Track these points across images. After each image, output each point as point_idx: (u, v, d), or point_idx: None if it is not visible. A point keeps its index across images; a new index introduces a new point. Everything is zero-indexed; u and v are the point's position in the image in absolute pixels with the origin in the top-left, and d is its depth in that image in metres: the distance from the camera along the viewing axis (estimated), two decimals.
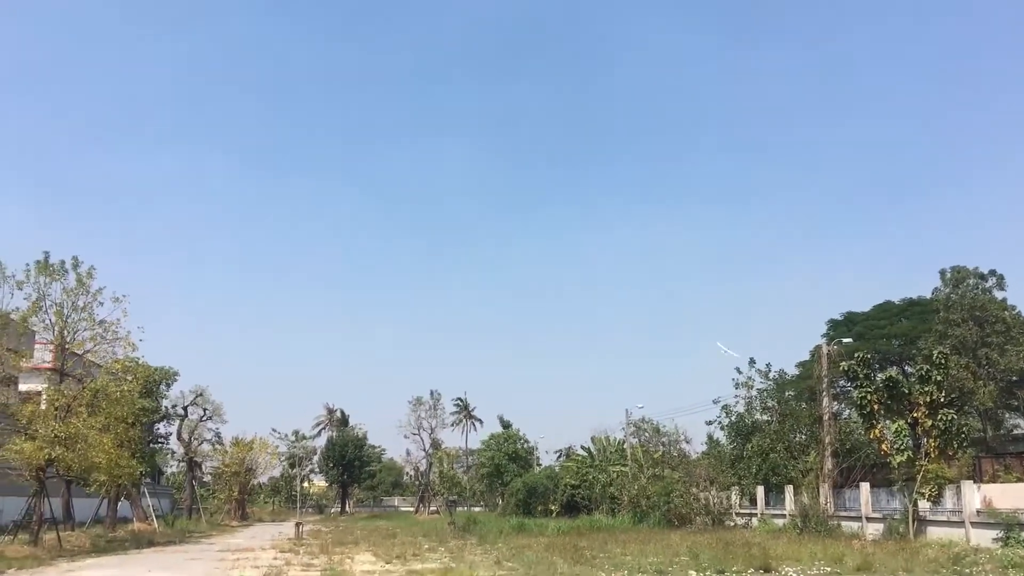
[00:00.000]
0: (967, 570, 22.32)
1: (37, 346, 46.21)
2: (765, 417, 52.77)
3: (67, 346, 38.57)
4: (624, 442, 70.62)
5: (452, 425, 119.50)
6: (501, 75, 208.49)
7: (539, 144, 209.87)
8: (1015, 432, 49.83)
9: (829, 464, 44.27)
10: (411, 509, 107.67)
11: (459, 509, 67.14)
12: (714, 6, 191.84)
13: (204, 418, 74.90)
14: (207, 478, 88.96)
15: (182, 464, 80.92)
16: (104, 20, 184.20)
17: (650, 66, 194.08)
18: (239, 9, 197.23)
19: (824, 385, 46.08)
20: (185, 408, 72.57)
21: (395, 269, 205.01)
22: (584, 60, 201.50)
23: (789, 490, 46.11)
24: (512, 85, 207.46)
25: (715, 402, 57.03)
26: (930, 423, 34.67)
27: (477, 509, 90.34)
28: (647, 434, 69.15)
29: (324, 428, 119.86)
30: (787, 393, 54.18)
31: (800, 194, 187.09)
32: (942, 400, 35.09)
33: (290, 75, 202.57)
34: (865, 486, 40.32)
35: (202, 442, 77.48)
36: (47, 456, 33.04)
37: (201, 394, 73.21)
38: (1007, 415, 50.22)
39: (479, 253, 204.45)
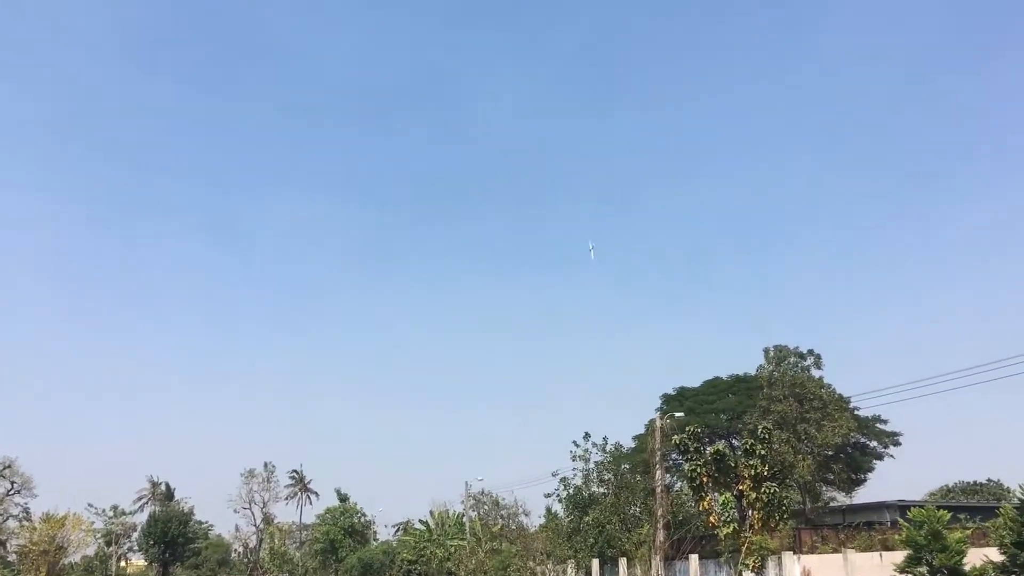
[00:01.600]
0: None
1: None
2: (602, 490, 53.56)
3: None
4: (463, 515, 70.02)
5: (287, 499, 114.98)
6: (367, 131, 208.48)
7: (402, 199, 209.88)
8: (831, 504, 52.53)
9: (661, 536, 45.23)
10: None
11: None
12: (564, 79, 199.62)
13: (11, 492, 69.33)
14: (12, 557, 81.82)
15: None
16: None
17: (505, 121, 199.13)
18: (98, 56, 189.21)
19: (657, 458, 47.31)
20: None
21: (232, 329, 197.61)
22: (446, 117, 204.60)
23: (623, 563, 46.71)
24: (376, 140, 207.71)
25: (554, 474, 57.52)
26: (754, 495, 36.22)
27: None
28: (486, 507, 68.93)
29: (147, 502, 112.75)
30: (623, 466, 55.25)
31: (638, 269, 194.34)
32: (765, 473, 36.77)
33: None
34: (694, 558, 41.41)
35: (7, 518, 71.55)
36: None
37: (9, 466, 67.97)
38: (824, 488, 52.93)
39: (329, 313, 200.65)
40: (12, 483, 68.71)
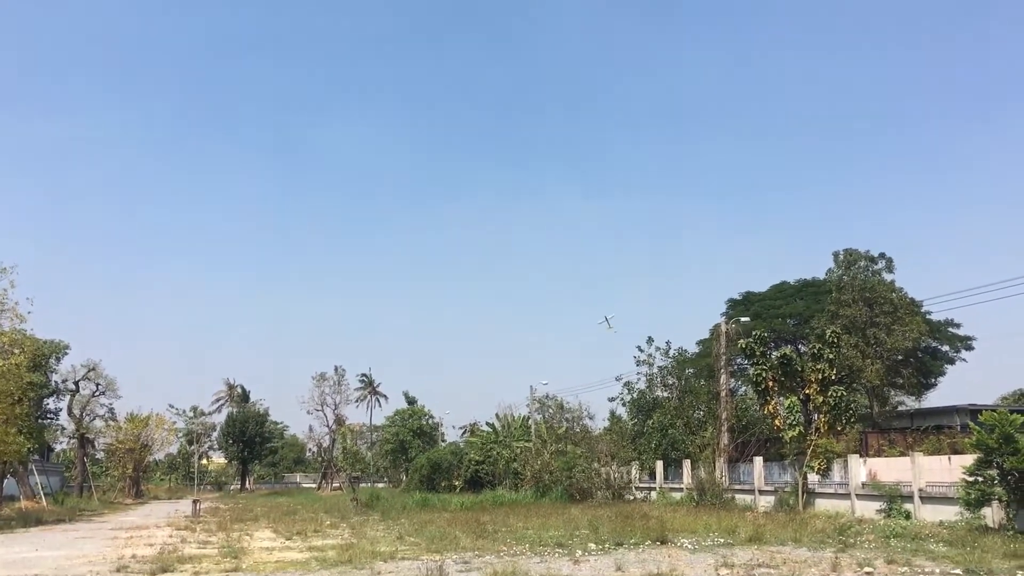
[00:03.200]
0: (852, 540, 23.33)
1: None
2: (665, 394, 53.99)
3: None
4: (528, 418, 71.25)
5: (356, 401, 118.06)
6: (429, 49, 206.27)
7: (467, 125, 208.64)
8: (900, 409, 52.03)
9: (725, 439, 45.60)
10: (313, 486, 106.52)
11: (363, 485, 66.58)
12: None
13: (97, 393, 72.49)
14: (100, 455, 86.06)
15: (73, 441, 78.15)
16: None
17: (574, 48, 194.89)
18: None
19: (722, 362, 47.34)
20: (76, 383, 70.07)
21: (301, 243, 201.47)
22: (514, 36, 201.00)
23: (687, 464, 47.31)
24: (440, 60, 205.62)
25: (617, 379, 58.16)
26: (821, 399, 36.00)
27: (381, 485, 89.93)
28: (551, 410, 70.05)
29: (224, 404, 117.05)
30: (687, 370, 55.45)
31: (702, 176, 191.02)
32: (833, 378, 36.45)
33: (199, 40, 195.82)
34: (758, 460, 41.72)
35: (94, 418, 74.92)
36: None
37: (93, 368, 70.78)
38: (892, 392, 52.37)
39: (390, 231, 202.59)
40: (97, 385, 71.63)
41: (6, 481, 50.66)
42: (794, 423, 36.20)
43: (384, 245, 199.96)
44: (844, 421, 36.49)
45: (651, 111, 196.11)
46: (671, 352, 55.15)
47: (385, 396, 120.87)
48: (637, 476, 53.15)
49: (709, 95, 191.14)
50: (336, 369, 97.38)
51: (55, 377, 67.40)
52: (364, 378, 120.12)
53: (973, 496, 25.14)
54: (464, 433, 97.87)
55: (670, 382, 54.24)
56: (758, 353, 38.35)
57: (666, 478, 50.28)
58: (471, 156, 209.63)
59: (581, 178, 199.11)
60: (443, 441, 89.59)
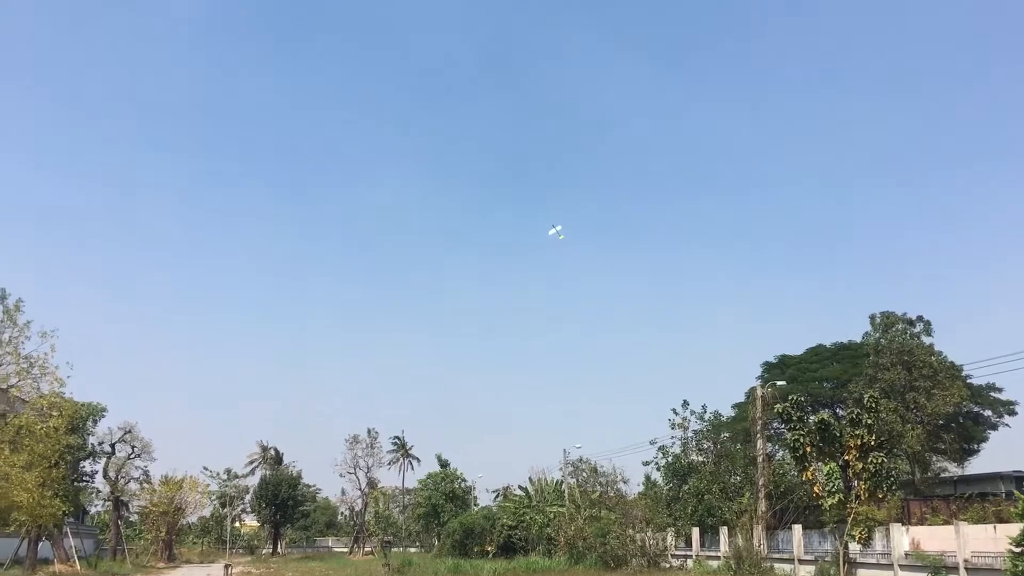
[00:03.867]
0: None
1: None
2: (701, 458, 53.30)
3: None
4: (562, 482, 70.56)
5: (389, 464, 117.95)
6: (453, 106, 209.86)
7: (479, 180, 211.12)
8: (942, 475, 50.95)
9: (763, 506, 44.77)
10: (345, 550, 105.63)
11: (394, 550, 65.96)
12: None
13: (132, 455, 72.76)
14: (134, 518, 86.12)
15: (107, 503, 78.35)
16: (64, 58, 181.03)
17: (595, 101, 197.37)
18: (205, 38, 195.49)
19: (758, 427, 46.73)
20: (112, 445, 70.46)
21: (332, 307, 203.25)
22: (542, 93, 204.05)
23: (724, 531, 46.46)
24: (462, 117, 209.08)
25: (652, 443, 57.54)
26: (860, 466, 35.30)
27: (413, 550, 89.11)
28: (585, 474, 69.36)
29: (257, 466, 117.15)
30: (722, 435, 54.82)
31: (736, 236, 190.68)
32: (872, 443, 35.78)
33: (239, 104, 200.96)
34: (797, 528, 40.87)
35: (129, 480, 75.11)
36: None
37: (130, 431, 71.20)
38: (934, 458, 51.35)
39: (415, 293, 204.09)
40: (132, 447, 72.02)
41: (41, 544, 50.81)
42: (833, 490, 35.47)
43: (411, 305, 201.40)
44: (885, 488, 35.68)
45: (676, 164, 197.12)
46: (706, 416, 54.66)
47: (417, 459, 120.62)
48: (673, 543, 52.25)
49: (735, 150, 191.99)
50: (369, 432, 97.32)
51: (91, 439, 67.94)
52: (397, 441, 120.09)
53: (1020, 568, 24.38)
54: (497, 497, 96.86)
55: (705, 446, 53.58)
56: (795, 418, 37.81)
57: (703, 545, 49.36)
58: (487, 208, 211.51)
59: (609, 231, 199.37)
60: (476, 505, 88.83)
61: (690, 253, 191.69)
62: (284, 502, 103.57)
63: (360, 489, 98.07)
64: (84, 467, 70.33)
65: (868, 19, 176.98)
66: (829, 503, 35.51)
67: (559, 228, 62.81)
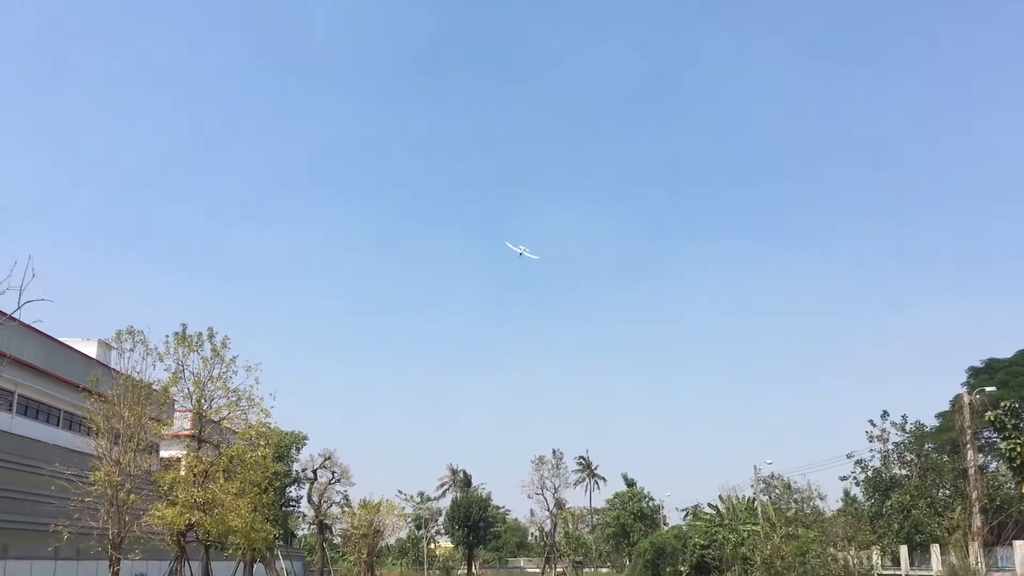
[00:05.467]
0: None
1: (176, 414, 48.20)
2: (904, 471, 50.52)
3: (204, 413, 40.03)
4: (754, 499, 68.48)
5: (575, 484, 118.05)
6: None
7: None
8: None
9: (978, 521, 41.74)
10: (537, 570, 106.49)
11: (586, 570, 65.90)
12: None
13: (333, 481, 76.39)
14: (336, 540, 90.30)
15: (312, 527, 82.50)
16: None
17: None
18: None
19: (968, 437, 43.68)
20: (315, 471, 74.29)
21: (513, 328, 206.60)
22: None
23: (935, 549, 43.70)
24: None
25: (849, 456, 55.01)
26: None
27: (604, 570, 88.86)
28: (777, 491, 67.06)
29: (448, 488, 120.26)
30: (926, 445, 51.71)
31: (939, 239, 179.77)
32: None
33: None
34: (1019, 544, 37.96)
35: (331, 505, 78.92)
36: (187, 521, 34.31)
37: (329, 457, 74.81)
38: None
39: (601, 315, 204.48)
40: (333, 472, 75.64)
41: (255, 566, 54.12)
42: None
43: (594, 329, 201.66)
44: None
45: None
46: (907, 426, 51.70)
47: (603, 478, 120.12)
48: (879, 562, 49.60)
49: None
50: (554, 452, 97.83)
51: (295, 466, 71.89)
52: (582, 461, 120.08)
53: None
54: (686, 515, 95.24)
55: (908, 459, 50.66)
56: (1010, 426, 35.21)
57: (912, 564, 46.60)
58: (690, 236, 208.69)
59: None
60: (665, 524, 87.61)
61: (872, 262, 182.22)
62: (476, 523, 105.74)
63: (548, 509, 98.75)
64: (290, 492, 74.48)
65: None
66: None
67: (524, 248, 63.83)
